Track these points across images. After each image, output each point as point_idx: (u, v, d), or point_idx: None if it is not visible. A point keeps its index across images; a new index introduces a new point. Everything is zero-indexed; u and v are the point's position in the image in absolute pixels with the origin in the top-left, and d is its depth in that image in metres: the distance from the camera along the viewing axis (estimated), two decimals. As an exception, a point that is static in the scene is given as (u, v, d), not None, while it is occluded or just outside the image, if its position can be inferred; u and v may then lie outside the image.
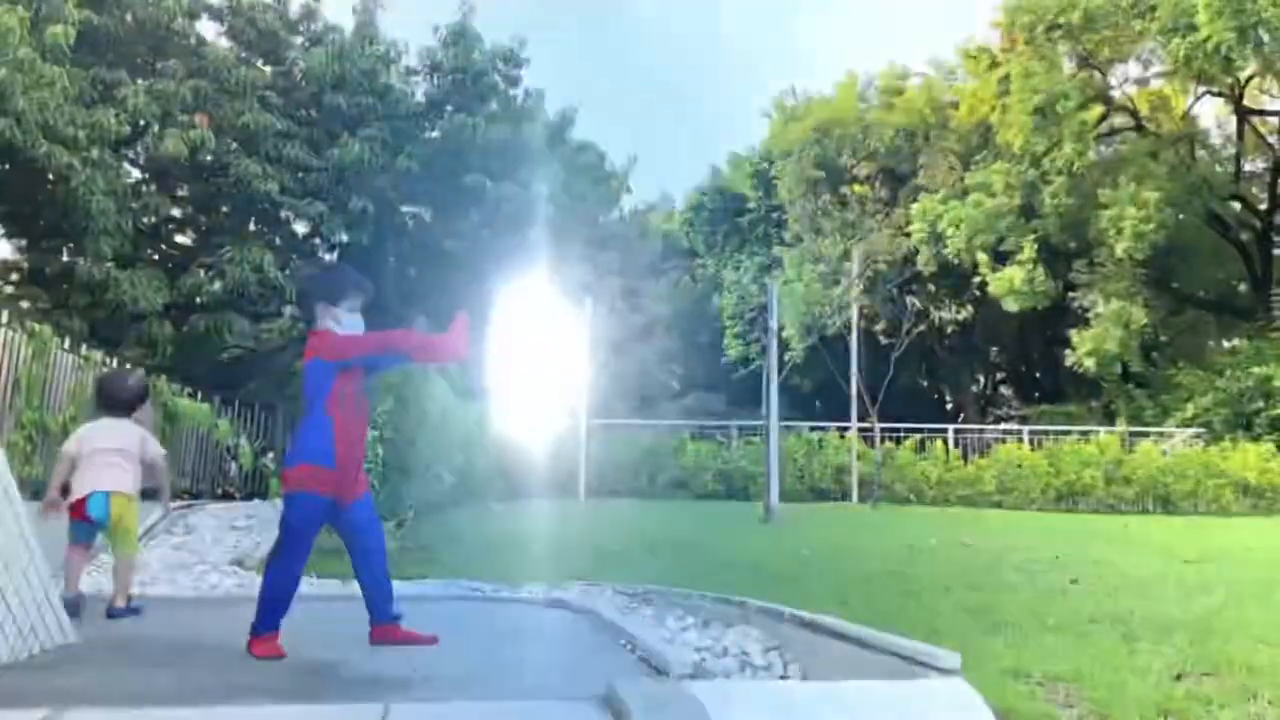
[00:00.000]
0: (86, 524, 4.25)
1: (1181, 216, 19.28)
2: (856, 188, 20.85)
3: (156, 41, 15.26)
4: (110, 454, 4.32)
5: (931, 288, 22.72)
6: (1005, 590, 4.93)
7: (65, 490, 4.29)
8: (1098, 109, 20.25)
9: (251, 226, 16.80)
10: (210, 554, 6.58)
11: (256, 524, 7.84)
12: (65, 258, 14.39)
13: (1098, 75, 20.74)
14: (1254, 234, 21.89)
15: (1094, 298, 19.79)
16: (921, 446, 15.61)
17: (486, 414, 12.87)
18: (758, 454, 14.13)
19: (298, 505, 3.50)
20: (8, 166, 13.43)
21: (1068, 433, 16.30)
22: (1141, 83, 21.81)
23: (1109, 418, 19.43)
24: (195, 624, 4.06)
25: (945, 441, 15.93)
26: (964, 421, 20.42)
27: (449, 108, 17.70)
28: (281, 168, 15.22)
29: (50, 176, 13.06)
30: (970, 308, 15.38)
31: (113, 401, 4.55)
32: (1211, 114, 23.43)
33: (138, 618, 4.22)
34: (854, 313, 15.31)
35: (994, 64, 21.94)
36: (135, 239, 14.29)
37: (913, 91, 24.50)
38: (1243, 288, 23.00)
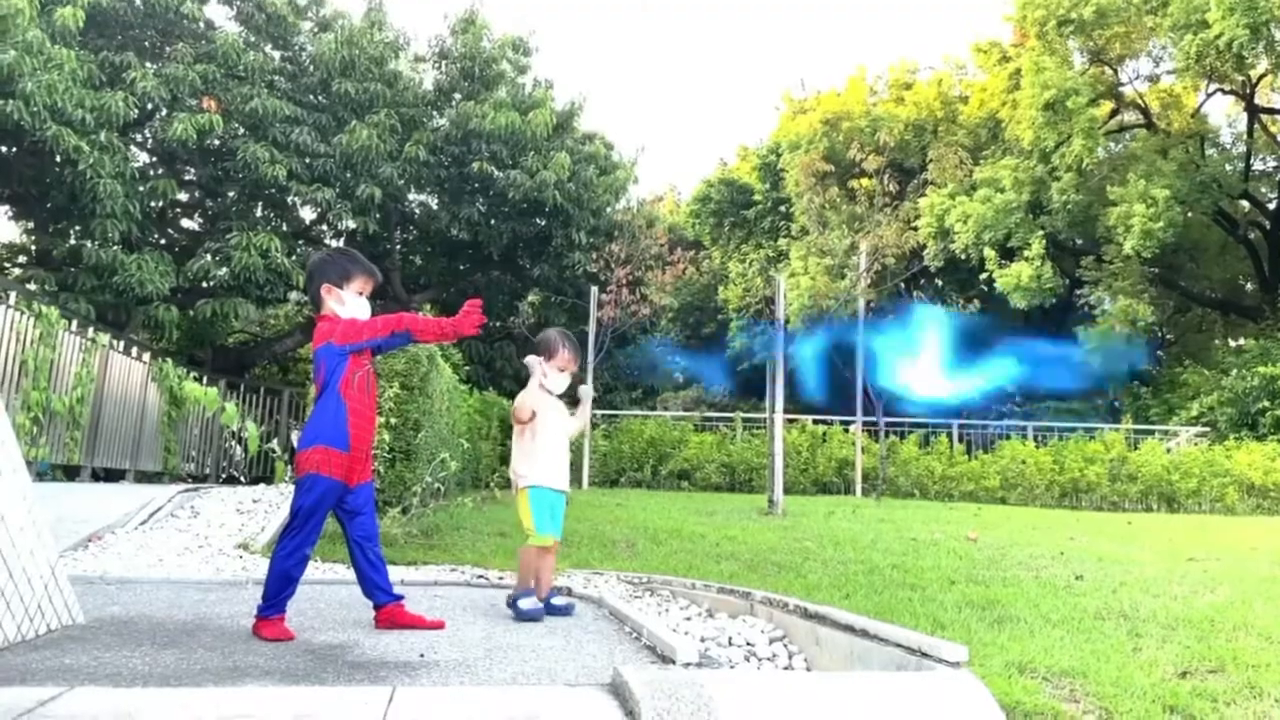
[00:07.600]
0: None
1: (1190, 214, 19.20)
2: (864, 181, 20.79)
3: (165, 25, 15.25)
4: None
5: (939, 282, 22.70)
6: (1009, 585, 4.92)
7: None
8: (1108, 105, 20.16)
9: (259, 212, 16.82)
10: (215, 537, 6.59)
11: (262, 508, 7.85)
12: (72, 240, 14.44)
13: (1108, 71, 20.64)
14: (1262, 233, 21.83)
15: (1101, 295, 19.75)
16: (926, 441, 15.61)
17: (491, 401, 12.90)
18: (761, 446, 14.14)
19: (310, 488, 3.50)
20: (15, 149, 13.46)
21: (1073, 429, 16.28)
22: (1152, 79, 21.73)
23: (1114, 415, 19.41)
24: (201, 606, 4.07)
25: (949, 436, 15.92)
26: (968, 416, 20.41)
27: (457, 95, 17.68)
28: (289, 153, 15.22)
29: (58, 159, 13.09)
30: (977, 303, 15.34)
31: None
32: (1222, 112, 23.43)
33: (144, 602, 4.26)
34: (860, 306, 15.28)
35: (1004, 59, 21.87)
36: (142, 223, 14.32)
37: (922, 86, 24.42)
38: (1250, 287, 22.96)
